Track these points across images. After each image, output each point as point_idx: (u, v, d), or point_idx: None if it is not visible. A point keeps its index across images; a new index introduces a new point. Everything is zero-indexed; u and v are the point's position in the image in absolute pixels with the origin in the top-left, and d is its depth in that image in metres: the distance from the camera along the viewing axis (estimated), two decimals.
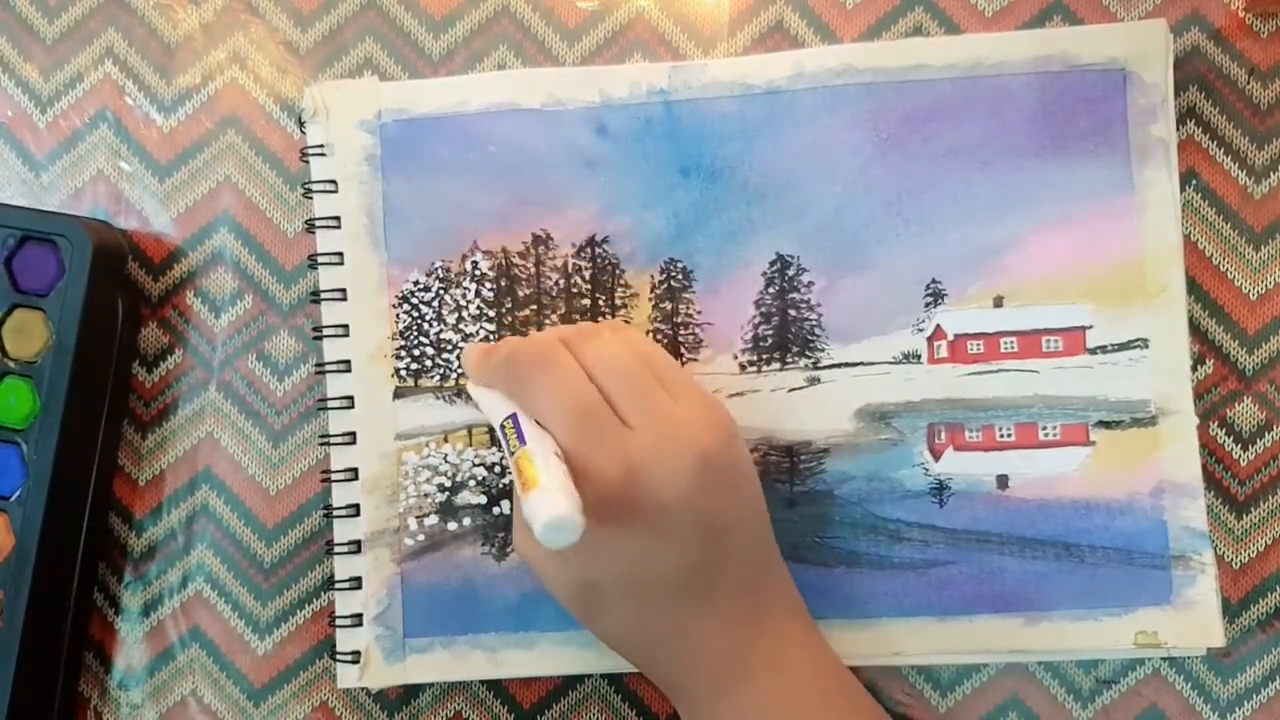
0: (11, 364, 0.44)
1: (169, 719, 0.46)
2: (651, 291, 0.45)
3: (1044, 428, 0.43)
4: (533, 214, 0.45)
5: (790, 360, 0.44)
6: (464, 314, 0.45)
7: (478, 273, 0.45)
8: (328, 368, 0.45)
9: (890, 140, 0.44)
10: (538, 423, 0.37)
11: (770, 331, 0.44)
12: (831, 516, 0.43)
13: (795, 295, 0.44)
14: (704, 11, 0.46)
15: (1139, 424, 0.43)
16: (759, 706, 0.38)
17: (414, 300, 0.45)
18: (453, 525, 0.44)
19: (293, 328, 0.46)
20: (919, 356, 0.44)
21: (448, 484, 0.44)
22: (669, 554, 0.37)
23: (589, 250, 0.45)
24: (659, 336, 0.44)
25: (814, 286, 0.44)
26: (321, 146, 0.45)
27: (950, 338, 0.44)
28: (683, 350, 0.44)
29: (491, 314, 0.45)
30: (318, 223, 0.45)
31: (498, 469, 0.44)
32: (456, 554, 0.44)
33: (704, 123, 0.44)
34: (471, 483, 0.44)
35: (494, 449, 0.44)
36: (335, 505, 0.45)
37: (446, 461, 0.44)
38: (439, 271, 0.45)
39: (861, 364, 0.44)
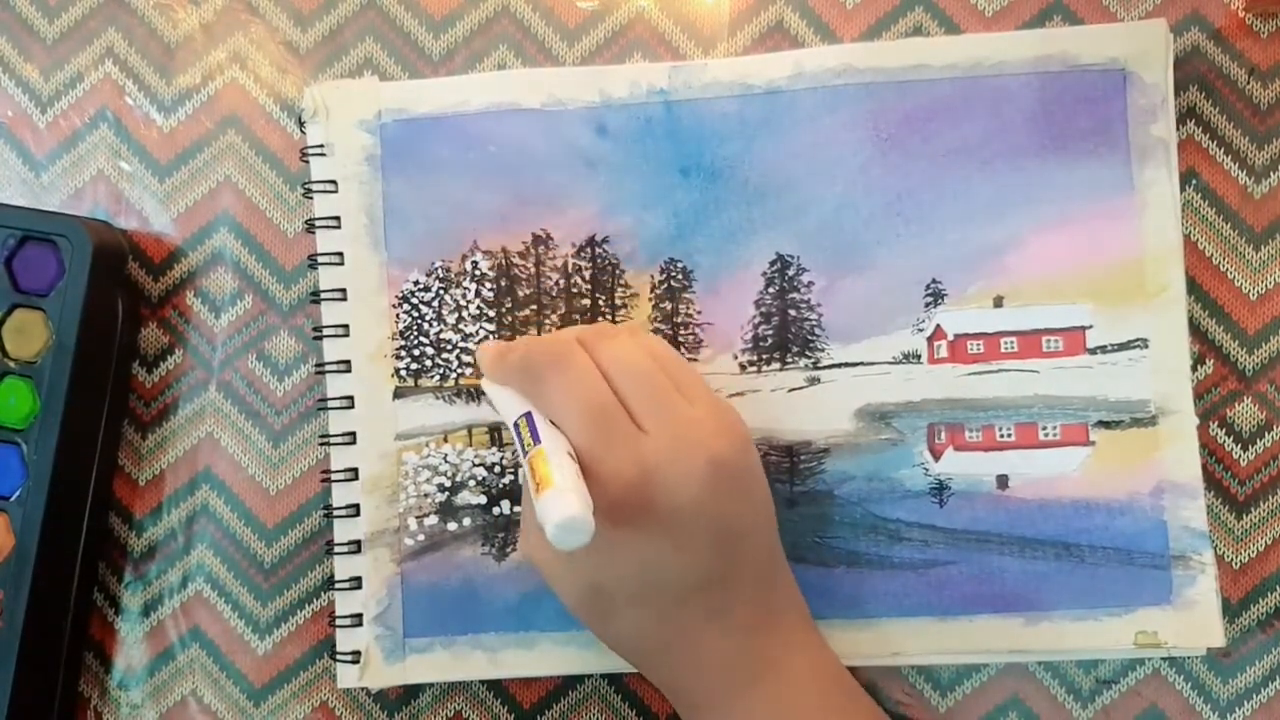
0: (11, 364, 0.44)
1: (169, 719, 0.46)
2: (651, 291, 0.45)
3: (1044, 428, 0.43)
4: (533, 214, 0.45)
5: (790, 360, 0.44)
6: (464, 314, 0.45)
7: (478, 273, 0.45)
8: (328, 368, 0.45)
9: (890, 140, 0.44)
10: (552, 423, 0.37)
11: (770, 331, 0.44)
12: (831, 516, 0.43)
13: (795, 295, 0.44)
14: (704, 11, 0.46)
15: (1139, 424, 0.43)
16: (767, 711, 0.38)
17: (414, 300, 0.45)
18: (453, 525, 0.44)
19: (293, 328, 0.46)
20: (919, 356, 0.44)
21: (448, 484, 0.44)
22: (681, 558, 0.37)
23: (589, 250, 0.45)
24: (656, 334, 0.44)
25: (814, 286, 0.44)
26: (321, 146, 0.45)
27: (950, 338, 0.44)
28: (683, 350, 0.44)
29: (491, 314, 0.45)
30: (318, 223, 0.45)
31: (497, 469, 0.44)
32: (456, 554, 0.44)
33: (704, 123, 0.44)
34: (471, 483, 0.44)
35: (494, 449, 0.44)
36: (335, 505, 0.45)
37: (446, 461, 0.44)
38: (439, 271, 0.45)
39: (861, 364, 0.44)
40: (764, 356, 0.44)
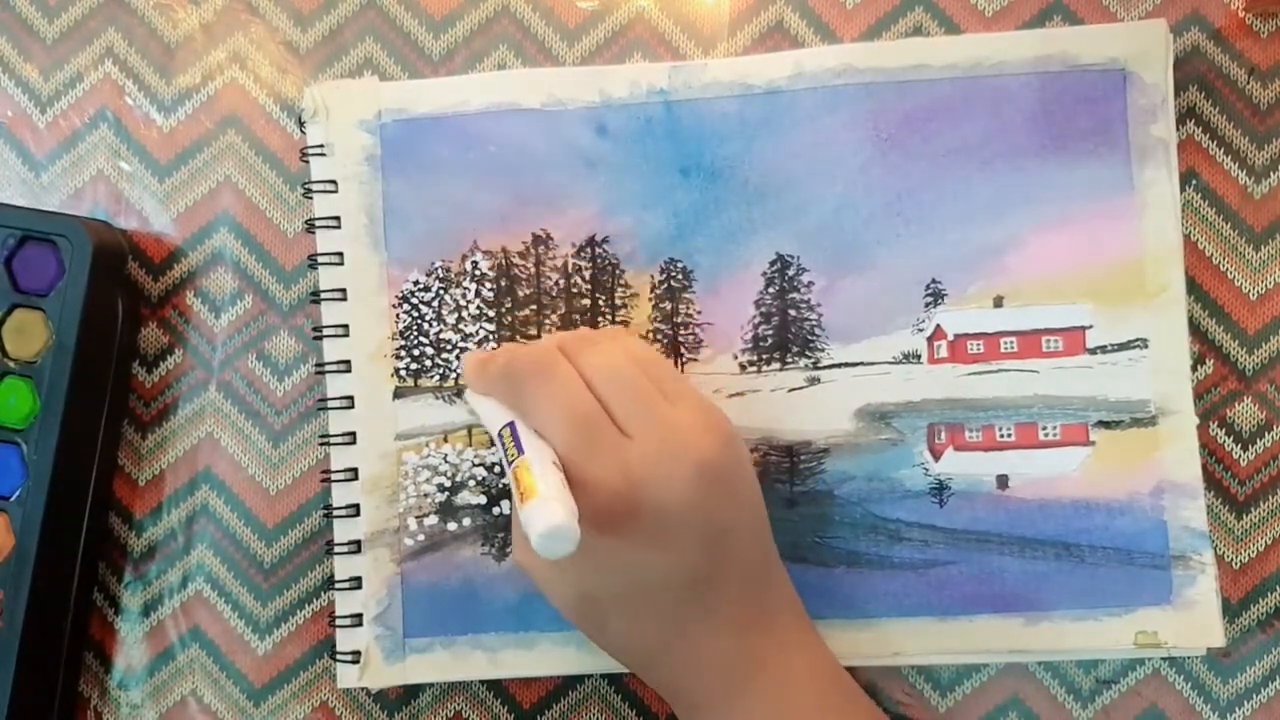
0: (11, 364, 0.44)
1: (169, 719, 0.46)
2: (651, 291, 0.45)
3: (1044, 428, 0.43)
4: (533, 214, 0.45)
5: (790, 360, 0.44)
6: (464, 314, 0.45)
7: (478, 273, 0.45)
8: (328, 368, 0.45)
9: (890, 140, 0.44)
10: (536, 432, 0.37)
11: (770, 331, 0.44)
12: (831, 516, 0.43)
13: (795, 295, 0.44)
14: (704, 11, 0.46)
15: (1139, 424, 0.43)
16: (765, 711, 0.38)
17: (414, 300, 0.45)
18: (453, 525, 0.44)
19: (293, 328, 0.46)
20: (919, 356, 0.44)
21: (448, 484, 0.44)
22: (670, 562, 0.37)
23: (589, 250, 0.45)
24: (659, 336, 0.45)
25: (814, 286, 0.44)
26: (321, 146, 0.45)
27: (950, 338, 0.44)
28: (683, 350, 0.44)
29: (491, 314, 0.45)
30: (318, 223, 0.45)
31: (497, 469, 0.44)
32: (456, 554, 0.44)
33: (704, 123, 0.44)
34: (471, 483, 0.44)
35: (494, 449, 0.44)
36: (335, 505, 0.45)
37: (446, 461, 0.45)
38: (439, 271, 0.45)
39: (861, 364, 0.44)
40: (764, 356, 0.44)
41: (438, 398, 0.45)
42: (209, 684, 0.46)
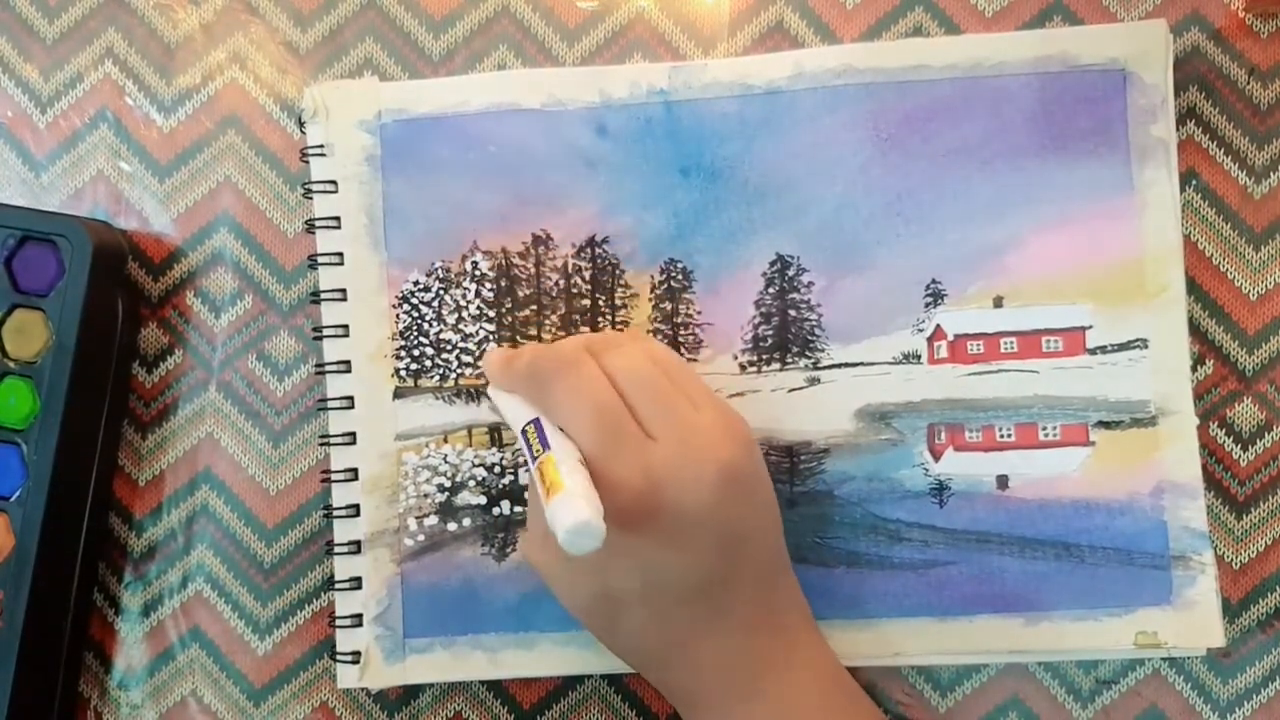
0: (11, 364, 0.44)
1: (169, 719, 0.46)
2: (651, 291, 0.45)
3: (1044, 428, 0.43)
4: (533, 214, 0.45)
5: (790, 360, 0.44)
6: (464, 314, 0.45)
7: (478, 273, 0.45)
8: (328, 368, 0.45)
9: (890, 140, 0.44)
10: (560, 429, 0.37)
11: (770, 332, 0.44)
12: (831, 517, 0.43)
13: (795, 295, 0.44)
14: (704, 11, 0.46)
15: (1139, 424, 0.43)
16: (768, 712, 0.38)
17: (414, 300, 0.45)
18: (452, 525, 0.44)
19: (293, 328, 0.46)
20: (919, 357, 0.44)
21: (448, 484, 0.44)
22: (687, 563, 0.37)
23: (589, 250, 0.45)
24: (659, 337, 0.44)
25: (814, 286, 0.44)
26: (321, 147, 0.45)
27: (950, 338, 0.44)
28: (683, 350, 0.44)
29: (491, 314, 0.45)
30: (318, 223, 0.45)
31: (497, 469, 0.44)
32: (456, 554, 0.44)
33: (704, 123, 0.44)
34: (471, 483, 0.44)
35: (494, 449, 0.44)
36: (335, 505, 0.45)
37: (446, 462, 0.44)
38: (439, 271, 0.45)
39: (861, 364, 0.44)
40: (764, 357, 0.44)
41: (438, 398, 0.45)
42: (209, 684, 0.46)
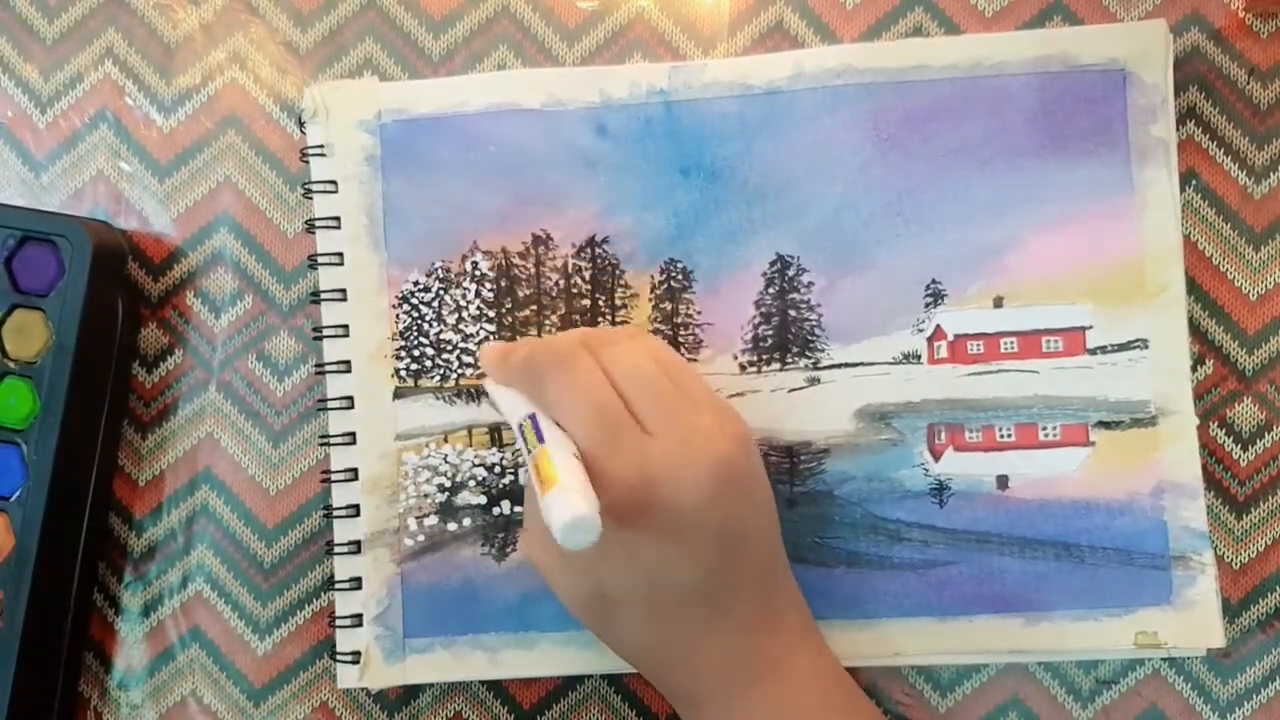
0: (11, 364, 0.44)
1: (169, 719, 0.46)
2: (651, 292, 0.45)
3: (1044, 428, 0.43)
4: (533, 214, 0.45)
5: (790, 360, 0.44)
6: (464, 314, 0.45)
7: (478, 273, 0.45)
8: (328, 368, 0.45)
9: (890, 140, 0.44)
10: (557, 424, 0.37)
11: (770, 332, 0.44)
12: (831, 517, 0.43)
13: (795, 295, 0.44)
14: (704, 11, 0.46)
15: (1139, 424, 0.43)
16: (767, 711, 0.38)
17: (414, 300, 0.45)
18: (453, 525, 0.44)
19: (293, 328, 0.46)
20: (919, 357, 0.44)
21: (448, 484, 0.44)
22: (684, 561, 0.37)
23: (589, 250, 0.45)
24: (659, 337, 0.44)
25: (814, 286, 0.44)
26: (321, 147, 0.45)
27: (950, 338, 0.44)
28: (683, 350, 0.44)
29: (491, 314, 0.45)
30: (318, 223, 0.45)
31: (497, 469, 0.44)
32: (456, 554, 0.44)
33: (704, 123, 0.44)
34: (471, 483, 0.44)
35: (494, 449, 0.44)
36: (335, 505, 0.45)
37: (446, 462, 0.45)
38: (439, 272, 0.45)
39: (861, 364, 0.44)
40: (764, 357, 0.44)
41: (438, 398, 0.45)
42: (209, 684, 0.46)
